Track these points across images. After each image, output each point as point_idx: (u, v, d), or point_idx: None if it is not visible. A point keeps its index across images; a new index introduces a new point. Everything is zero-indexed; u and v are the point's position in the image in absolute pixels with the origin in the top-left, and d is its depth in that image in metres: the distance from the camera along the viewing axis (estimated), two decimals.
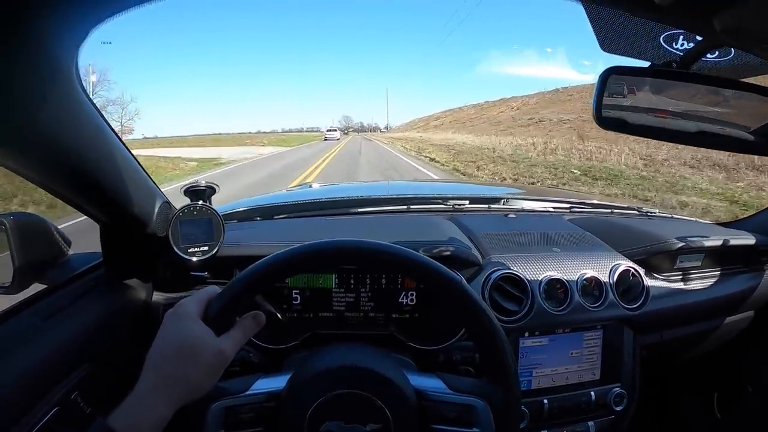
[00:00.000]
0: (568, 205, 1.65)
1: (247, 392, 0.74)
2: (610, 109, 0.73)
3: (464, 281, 0.71)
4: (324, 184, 3.06)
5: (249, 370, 0.93)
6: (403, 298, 1.10)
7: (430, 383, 0.75)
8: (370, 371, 0.72)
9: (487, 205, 1.60)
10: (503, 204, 1.61)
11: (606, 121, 0.74)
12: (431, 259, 0.70)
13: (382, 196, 1.72)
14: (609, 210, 1.65)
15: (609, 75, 0.71)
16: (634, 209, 1.68)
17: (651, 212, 1.64)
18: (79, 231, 1.09)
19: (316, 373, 0.73)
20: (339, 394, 0.70)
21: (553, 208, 1.64)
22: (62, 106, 0.64)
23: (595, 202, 1.74)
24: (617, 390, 1.14)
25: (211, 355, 0.60)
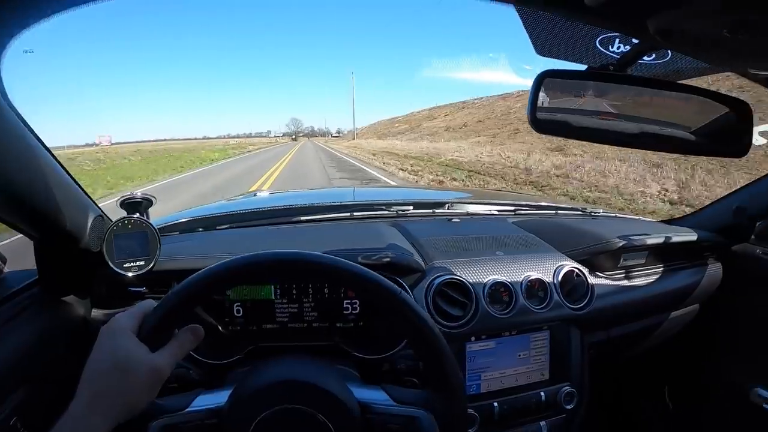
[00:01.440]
0: (512, 208, 1.67)
1: (188, 409, 0.71)
2: (546, 112, 0.72)
3: (402, 291, 0.69)
4: (270, 192, 3.01)
5: (190, 387, 0.89)
6: (347, 307, 1.08)
7: (374, 395, 0.73)
8: (312, 386, 0.70)
9: (431, 210, 1.60)
10: (447, 208, 1.61)
11: (542, 125, 0.73)
12: (368, 270, 0.69)
13: (326, 204, 1.69)
14: (554, 211, 1.68)
15: (544, 78, 0.71)
16: (578, 210, 1.71)
17: (595, 212, 1.67)
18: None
19: (258, 388, 0.70)
20: (281, 409, 0.68)
21: (498, 211, 1.65)
22: None
23: (541, 204, 1.77)
24: (567, 389, 1.15)
25: (146, 372, 0.59)
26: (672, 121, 0.76)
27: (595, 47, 0.72)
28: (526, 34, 0.72)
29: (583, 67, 0.72)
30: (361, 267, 0.69)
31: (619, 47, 0.72)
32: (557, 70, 0.70)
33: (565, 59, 0.75)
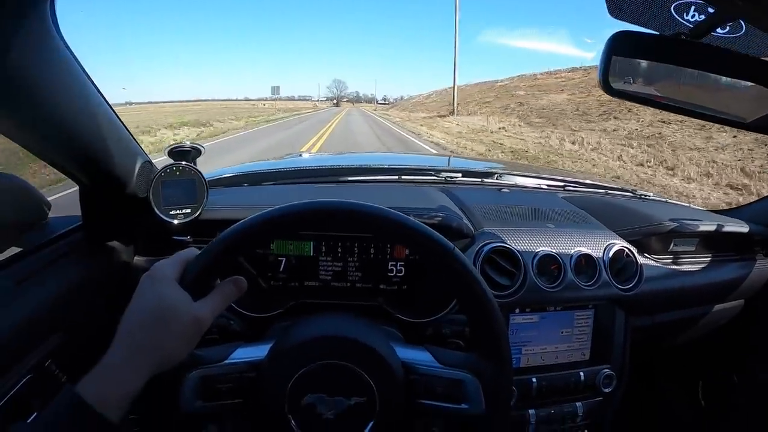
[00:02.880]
0: (561, 183, 1.64)
1: (226, 361, 0.70)
2: (616, 75, 0.71)
3: (456, 248, 0.67)
4: (315, 153, 3.00)
5: (230, 339, 0.90)
6: (391, 269, 1.08)
7: (418, 356, 0.72)
8: (356, 342, 0.68)
9: (480, 179, 1.58)
10: (496, 179, 1.59)
11: (612, 88, 0.71)
12: (425, 226, 0.67)
13: (373, 166, 1.69)
14: (603, 190, 1.64)
15: (617, 39, 0.68)
16: (628, 191, 1.67)
17: (645, 195, 1.63)
18: None
19: (299, 342, 0.69)
20: (322, 364, 0.67)
21: (547, 185, 1.62)
22: (35, 55, 0.60)
23: (589, 182, 1.73)
24: (607, 371, 1.13)
25: (188, 322, 0.58)
26: (733, 96, 0.74)
27: (669, 13, 0.69)
28: (600, 9, 0.70)
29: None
30: (418, 222, 0.67)
31: (693, 15, 0.69)
32: (630, 32, 0.67)
33: (636, 23, 0.72)
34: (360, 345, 0.68)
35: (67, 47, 0.66)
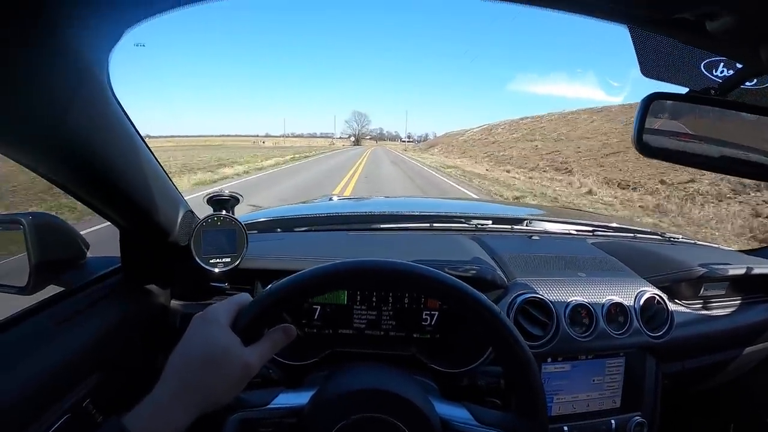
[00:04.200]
0: (590, 228, 1.64)
1: (268, 406, 0.72)
2: (650, 134, 0.72)
3: (502, 312, 0.68)
4: (345, 197, 3.02)
5: (270, 386, 0.92)
6: (426, 318, 1.08)
7: (456, 413, 0.72)
8: (397, 396, 0.69)
9: (510, 226, 1.58)
10: (526, 225, 1.59)
11: (646, 148, 0.72)
12: (469, 286, 0.67)
13: (405, 213, 1.70)
14: (632, 234, 1.64)
15: (651, 101, 0.70)
16: (657, 234, 1.66)
17: (674, 238, 1.63)
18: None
19: (342, 393, 0.71)
20: (364, 417, 0.68)
21: (576, 230, 1.62)
22: (91, 109, 0.63)
23: (617, 225, 1.73)
24: (638, 419, 1.11)
25: (238, 366, 0.59)
26: (756, 146, 0.75)
27: (699, 71, 0.71)
28: (627, 53, 0.72)
29: (682, 89, 0.71)
30: (462, 283, 0.67)
31: (722, 71, 0.71)
32: (664, 92, 0.69)
33: (667, 81, 0.73)
34: (401, 400, 0.69)
35: (119, 104, 0.68)
